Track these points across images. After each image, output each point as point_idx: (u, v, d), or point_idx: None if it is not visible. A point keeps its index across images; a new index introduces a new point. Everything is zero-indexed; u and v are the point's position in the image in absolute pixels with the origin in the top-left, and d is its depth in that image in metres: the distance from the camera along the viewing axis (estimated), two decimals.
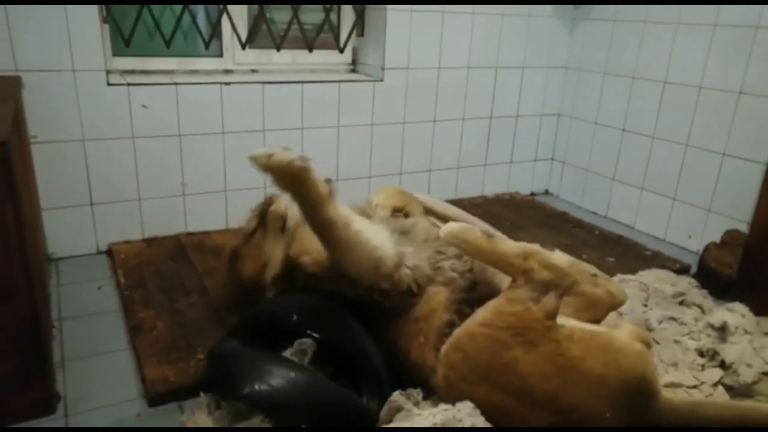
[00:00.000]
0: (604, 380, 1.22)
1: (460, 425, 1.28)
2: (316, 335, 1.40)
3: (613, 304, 1.48)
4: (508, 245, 1.31)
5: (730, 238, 2.36)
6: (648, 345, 1.35)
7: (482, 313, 1.29)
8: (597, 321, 1.50)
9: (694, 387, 1.56)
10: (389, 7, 2.58)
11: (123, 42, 2.32)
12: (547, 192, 3.40)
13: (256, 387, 1.28)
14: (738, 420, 1.38)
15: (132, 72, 2.40)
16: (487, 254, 1.31)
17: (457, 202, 3.04)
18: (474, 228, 1.33)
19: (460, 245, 1.33)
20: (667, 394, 1.39)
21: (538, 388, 1.21)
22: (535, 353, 1.21)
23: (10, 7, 1.92)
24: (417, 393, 1.41)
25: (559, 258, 1.40)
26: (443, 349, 1.32)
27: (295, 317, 1.44)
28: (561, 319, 1.29)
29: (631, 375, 1.25)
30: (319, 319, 1.44)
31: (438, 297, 1.41)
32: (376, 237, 1.38)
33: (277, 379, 1.30)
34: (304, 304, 1.49)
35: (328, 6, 2.65)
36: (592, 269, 1.56)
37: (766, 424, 1.35)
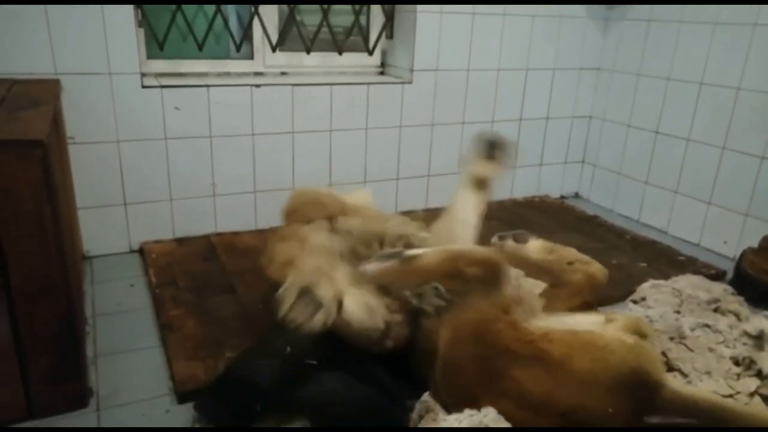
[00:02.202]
0: (595, 378, 1.19)
1: None
2: (314, 362, 1.37)
3: (593, 284, 1.49)
4: (430, 259, 1.30)
5: None
6: (645, 336, 1.30)
7: (444, 335, 1.28)
8: (589, 304, 1.49)
9: (729, 396, 1.52)
10: (419, 8, 2.58)
11: (157, 45, 2.37)
12: (577, 195, 3.35)
13: (297, 389, 1.29)
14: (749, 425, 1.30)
15: (165, 74, 2.45)
16: (416, 275, 1.32)
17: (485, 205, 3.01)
18: (386, 261, 1.31)
19: (385, 281, 1.36)
20: (676, 384, 1.32)
21: (533, 391, 1.20)
22: (518, 358, 1.21)
23: (51, 14, 1.98)
24: None
25: (529, 247, 1.54)
26: (436, 378, 1.31)
27: (288, 348, 1.41)
28: (538, 321, 1.28)
29: (625, 369, 1.21)
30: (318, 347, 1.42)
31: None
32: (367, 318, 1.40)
33: (313, 382, 1.31)
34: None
35: (357, 8, 2.67)
36: (571, 255, 1.55)
37: None
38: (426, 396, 1.40)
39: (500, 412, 1.21)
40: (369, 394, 1.37)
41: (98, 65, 2.11)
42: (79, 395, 1.48)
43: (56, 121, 1.70)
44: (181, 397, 1.52)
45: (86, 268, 2.20)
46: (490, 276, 1.27)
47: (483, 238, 1.86)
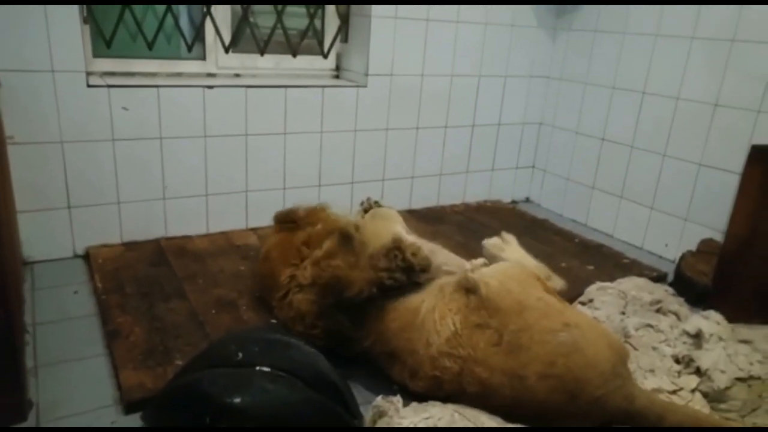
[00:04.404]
0: (599, 325, 1.56)
1: None
2: (266, 369, 1.36)
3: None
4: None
5: (705, 246, 2.40)
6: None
7: (523, 265, 1.72)
8: None
9: (674, 392, 1.58)
10: (373, 13, 2.59)
11: (104, 43, 2.29)
12: (527, 200, 3.43)
13: (247, 398, 1.26)
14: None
15: (113, 74, 2.37)
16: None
17: (438, 210, 3.06)
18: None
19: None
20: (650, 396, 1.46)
21: (551, 303, 1.51)
22: (549, 295, 1.56)
23: None
24: (397, 400, 1.41)
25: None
26: (489, 278, 1.58)
27: (240, 355, 1.38)
28: None
29: (616, 340, 1.51)
30: (269, 353, 1.41)
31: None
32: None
33: (264, 390, 1.29)
34: (248, 340, 1.45)
35: (312, 11, 2.66)
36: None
37: None
38: (379, 400, 1.41)
39: (518, 300, 1.48)
40: (321, 402, 1.36)
41: (40, 62, 2.02)
42: (16, 408, 1.41)
43: None
44: (128, 408, 1.47)
45: (26, 274, 2.10)
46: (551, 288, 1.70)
47: (440, 242, 1.89)
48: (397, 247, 1.60)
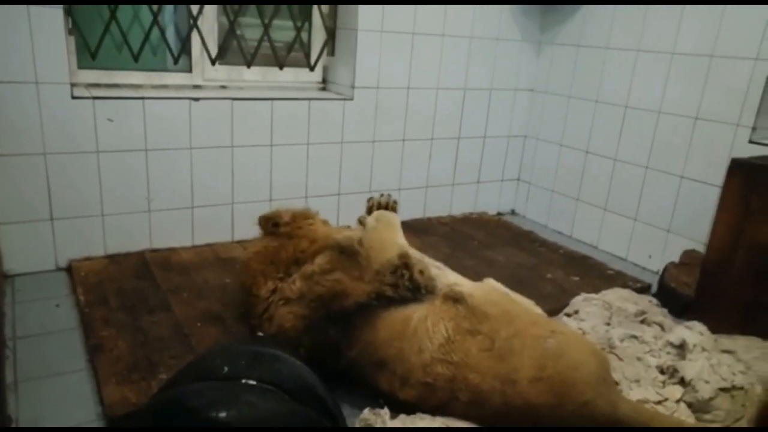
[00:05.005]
0: (579, 333, 1.64)
1: None
2: (252, 382, 1.33)
3: None
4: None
5: (688, 258, 2.43)
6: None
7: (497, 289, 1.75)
8: None
9: (659, 403, 1.59)
10: (360, 27, 2.61)
11: (89, 55, 2.28)
12: (513, 212, 3.45)
13: (233, 412, 1.24)
14: None
15: (98, 85, 2.36)
16: None
17: (425, 221, 3.07)
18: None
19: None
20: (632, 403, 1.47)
21: (536, 313, 1.61)
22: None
23: None
24: (384, 413, 1.41)
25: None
26: (472, 290, 1.60)
27: (225, 368, 1.36)
28: None
29: (598, 349, 1.56)
30: (256, 366, 1.39)
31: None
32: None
33: (250, 404, 1.27)
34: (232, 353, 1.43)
35: (299, 24, 2.67)
36: None
37: None
38: (366, 412, 1.40)
39: (505, 309, 1.53)
40: (308, 416, 1.35)
41: (24, 73, 2.00)
42: None
43: None
44: (111, 423, 1.45)
45: (7, 288, 2.06)
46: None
47: (427, 253, 1.89)
48: (404, 263, 1.60)
